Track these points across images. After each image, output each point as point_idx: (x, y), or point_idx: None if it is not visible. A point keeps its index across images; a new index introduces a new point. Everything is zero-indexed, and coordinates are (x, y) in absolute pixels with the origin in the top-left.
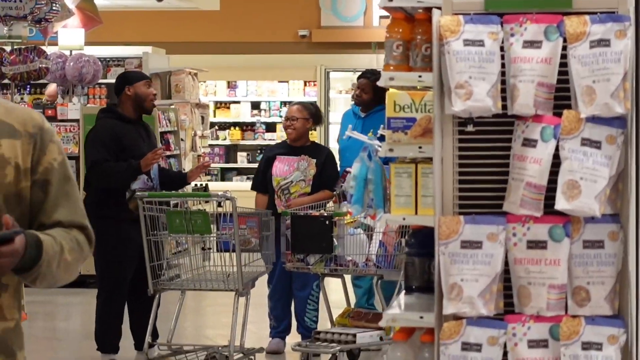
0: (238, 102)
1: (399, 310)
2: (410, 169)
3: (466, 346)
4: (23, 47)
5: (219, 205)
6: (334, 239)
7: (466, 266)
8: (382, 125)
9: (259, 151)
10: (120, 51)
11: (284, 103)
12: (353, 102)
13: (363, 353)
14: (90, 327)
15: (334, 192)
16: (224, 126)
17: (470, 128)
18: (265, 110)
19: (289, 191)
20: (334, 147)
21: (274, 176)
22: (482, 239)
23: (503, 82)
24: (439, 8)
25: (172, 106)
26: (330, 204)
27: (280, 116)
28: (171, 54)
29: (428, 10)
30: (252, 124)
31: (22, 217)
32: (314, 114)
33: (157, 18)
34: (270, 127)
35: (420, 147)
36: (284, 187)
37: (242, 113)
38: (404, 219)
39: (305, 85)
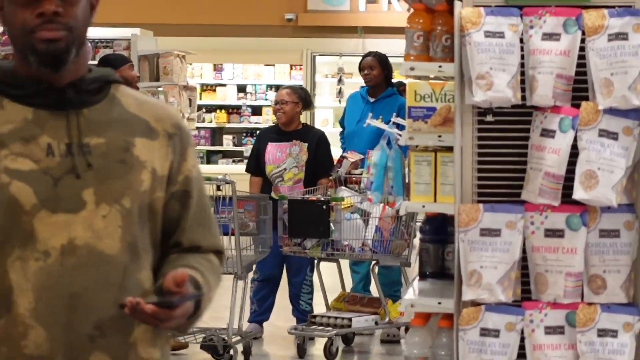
0: (224, 85)
1: (415, 295)
2: (429, 157)
3: (484, 332)
4: None
5: (218, 188)
6: (331, 224)
7: (485, 253)
8: (394, 113)
9: (244, 134)
10: (109, 33)
11: (270, 86)
12: (363, 85)
13: (357, 337)
14: None
15: (330, 177)
16: (210, 109)
17: (489, 118)
18: (251, 93)
19: (282, 178)
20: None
21: (267, 164)
22: (501, 226)
23: (522, 74)
24: (460, 0)
25: (161, 89)
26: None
27: (267, 99)
28: (159, 35)
29: (448, 1)
30: (238, 107)
31: (151, 233)
32: (304, 98)
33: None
34: (256, 110)
35: (439, 136)
36: (277, 175)
37: (228, 96)
38: (423, 206)
39: (291, 68)
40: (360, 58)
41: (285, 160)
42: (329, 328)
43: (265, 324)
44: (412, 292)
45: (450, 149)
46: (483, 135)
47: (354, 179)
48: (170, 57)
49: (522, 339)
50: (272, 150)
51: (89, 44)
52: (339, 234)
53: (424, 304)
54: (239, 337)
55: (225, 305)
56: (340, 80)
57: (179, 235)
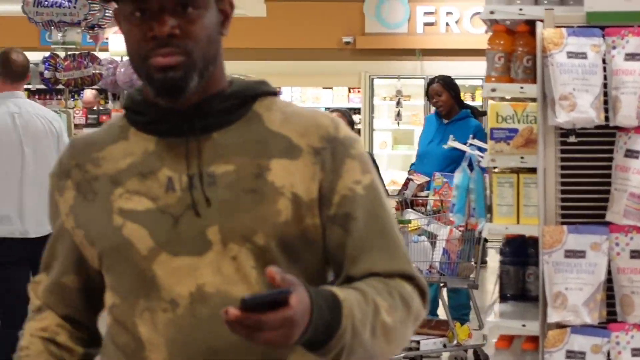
0: None
1: (499, 318)
2: (512, 179)
3: (570, 354)
4: (77, 53)
5: None
6: None
7: (570, 275)
8: (470, 135)
9: None
10: None
11: (328, 109)
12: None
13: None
14: None
15: (396, 200)
16: None
17: (572, 139)
18: None
19: None
20: (377, 154)
21: None
22: (586, 248)
23: (605, 94)
24: (541, 20)
25: None
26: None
27: None
28: None
29: (528, 22)
30: None
31: (307, 269)
32: (350, 121)
33: None
34: None
35: (522, 158)
36: None
37: None
38: (506, 228)
39: (349, 91)
40: (422, 81)
41: None
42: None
43: None
44: (493, 314)
45: (532, 170)
46: (566, 156)
47: (420, 201)
48: None
49: None
50: None
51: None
52: None
53: (508, 327)
54: None
55: None
56: (398, 103)
57: (348, 266)
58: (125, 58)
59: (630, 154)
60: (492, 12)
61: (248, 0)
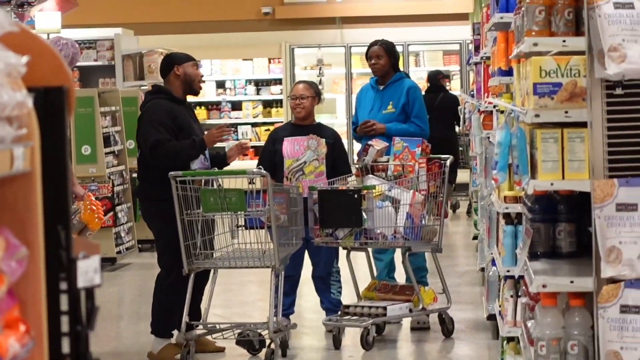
0: (203, 82)
1: (546, 275)
2: (556, 134)
3: (625, 309)
4: None
5: (251, 182)
6: (363, 212)
7: (623, 229)
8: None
9: None
10: (91, 33)
11: (249, 81)
12: (372, 75)
13: (386, 326)
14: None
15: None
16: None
17: (619, 91)
18: (230, 89)
19: (303, 172)
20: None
21: (285, 158)
22: (637, 201)
23: None
24: None
25: (145, 87)
26: (353, 178)
27: (246, 94)
28: (139, 34)
29: None
30: (218, 103)
31: None
32: (318, 92)
33: None
34: (236, 106)
35: (566, 112)
36: (297, 169)
37: (207, 92)
38: (552, 184)
39: (269, 62)
40: (343, 49)
41: (305, 152)
42: (364, 318)
43: (296, 317)
44: (531, 272)
45: (576, 124)
46: (612, 109)
47: (380, 166)
48: (155, 56)
49: None
50: (289, 145)
51: (76, 45)
52: (372, 223)
53: (557, 284)
54: (278, 330)
55: (254, 301)
56: (320, 72)
57: None
58: (52, 35)
59: None
60: None
61: None
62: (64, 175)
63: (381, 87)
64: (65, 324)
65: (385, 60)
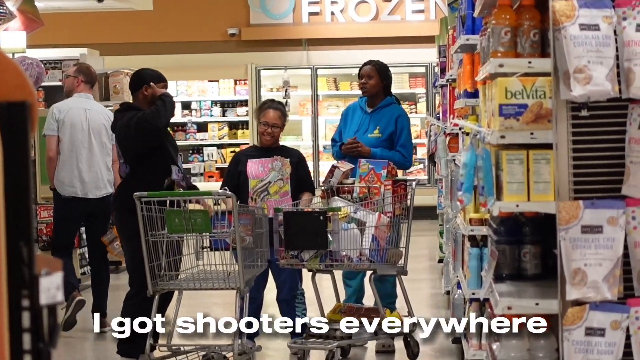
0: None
1: (507, 297)
2: (522, 156)
3: (590, 331)
4: None
5: (216, 203)
6: (329, 234)
7: (588, 251)
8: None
9: (190, 151)
10: (56, 53)
11: (214, 102)
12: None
13: (352, 349)
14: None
15: (314, 193)
16: None
17: (584, 113)
18: (196, 110)
19: (268, 192)
20: None
21: (250, 179)
22: (603, 223)
23: (617, 66)
24: None
25: (111, 107)
26: (318, 199)
27: (212, 115)
28: (105, 55)
29: None
30: (184, 124)
31: None
32: (286, 117)
33: (90, 19)
34: (202, 127)
35: (532, 133)
36: (262, 189)
37: None
38: (517, 205)
39: (235, 83)
40: (309, 71)
41: (269, 173)
42: (329, 340)
43: (261, 340)
44: (496, 294)
45: (542, 146)
46: (578, 130)
47: (346, 188)
48: (120, 76)
49: (628, 337)
50: (253, 165)
51: (41, 65)
52: (337, 245)
53: (523, 306)
54: (243, 353)
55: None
56: (286, 93)
57: None
58: (18, 55)
59: None
60: None
61: None
62: (26, 191)
63: (369, 110)
64: (27, 341)
65: (376, 81)
